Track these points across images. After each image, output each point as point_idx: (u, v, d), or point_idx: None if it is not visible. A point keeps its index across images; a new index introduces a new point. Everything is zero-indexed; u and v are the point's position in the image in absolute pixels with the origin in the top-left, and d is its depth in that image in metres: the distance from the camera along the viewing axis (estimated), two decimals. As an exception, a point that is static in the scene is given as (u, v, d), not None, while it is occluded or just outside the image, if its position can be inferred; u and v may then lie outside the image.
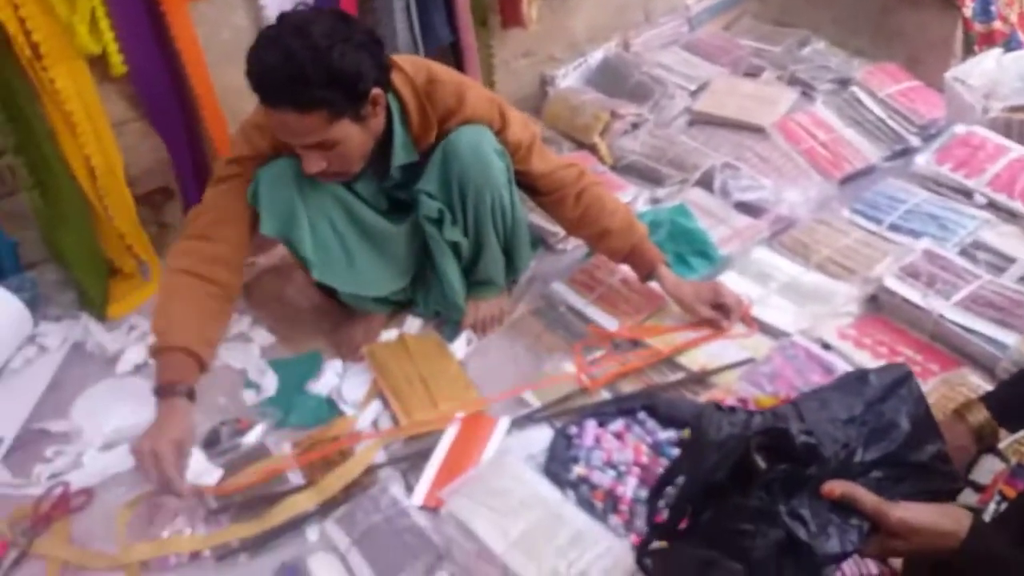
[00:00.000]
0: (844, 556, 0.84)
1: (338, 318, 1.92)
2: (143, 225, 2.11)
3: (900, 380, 0.99)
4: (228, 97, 2.10)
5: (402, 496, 1.46)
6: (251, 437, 1.66)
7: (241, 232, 1.64)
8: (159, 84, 2.01)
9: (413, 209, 1.75)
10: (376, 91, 1.49)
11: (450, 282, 1.82)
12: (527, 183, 1.79)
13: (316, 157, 1.51)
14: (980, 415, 1.13)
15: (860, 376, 1.00)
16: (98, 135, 1.92)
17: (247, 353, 1.90)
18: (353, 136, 1.51)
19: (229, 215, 1.63)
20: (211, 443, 1.65)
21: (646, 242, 1.81)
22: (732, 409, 0.95)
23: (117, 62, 1.92)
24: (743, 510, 0.86)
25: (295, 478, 1.55)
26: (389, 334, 1.87)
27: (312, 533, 1.46)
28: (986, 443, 1.16)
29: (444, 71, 1.66)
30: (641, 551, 0.95)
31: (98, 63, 1.91)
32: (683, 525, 0.94)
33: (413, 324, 1.90)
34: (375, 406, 1.67)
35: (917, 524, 0.81)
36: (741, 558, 0.86)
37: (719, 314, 1.78)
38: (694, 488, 0.92)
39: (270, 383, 1.80)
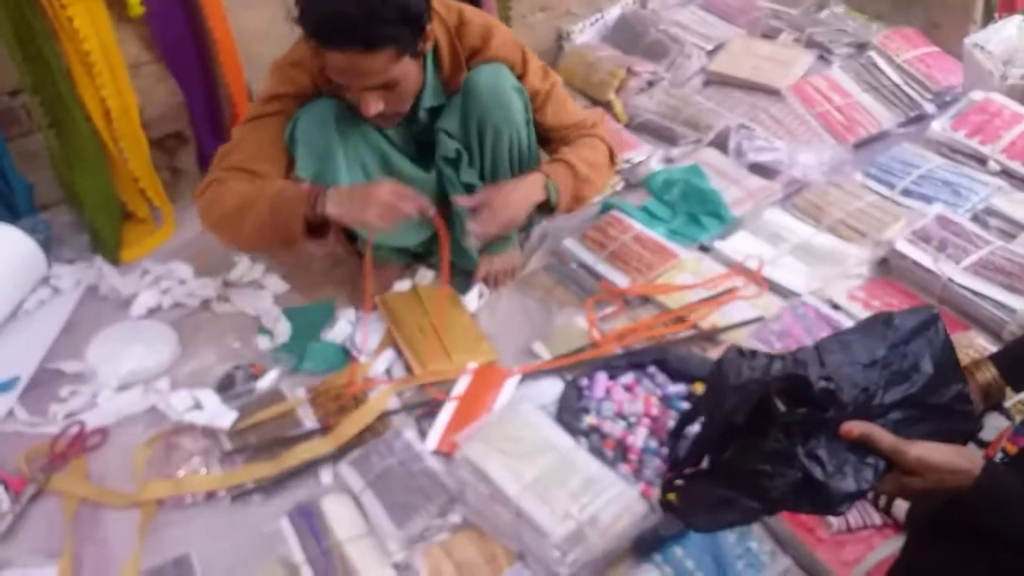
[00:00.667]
0: (859, 494, 0.85)
1: (352, 268, 1.93)
2: (156, 170, 2.11)
3: (926, 323, 0.99)
4: (245, 41, 2.09)
5: (416, 441, 1.48)
6: (265, 382, 1.68)
7: (280, 170, 1.63)
8: (176, 26, 2.00)
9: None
10: (429, 27, 1.51)
11: (463, 227, 1.80)
12: (539, 133, 1.80)
13: (376, 97, 1.50)
14: (988, 373, 1.14)
15: (885, 319, 1.00)
16: (114, 76, 1.91)
17: (260, 300, 1.91)
18: (412, 73, 1.53)
19: (268, 151, 1.61)
20: (225, 387, 1.67)
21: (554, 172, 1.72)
22: (753, 353, 0.95)
23: (135, 3, 1.91)
24: (761, 451, 0.88)
25: (309, 423, 1.57)
26: (402, 285, 1.87)
27: (326, 475, 1.49)
28: (992, 400, 1.17)
29: (473, 12, 1.67)
30: (665, 488, 0.97)
31: (116, 3, 1.91)
32: (704, 465, 0.96)
33: (426, 276, 1.91)
34: (388, 355, 1.68)
35: (933, 462, 0.83)
36: (759, 497, 0.88)
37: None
38: (713, 430, 0.93)
39: (284, 330, 1.82)
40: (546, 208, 1.73)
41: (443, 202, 1.76)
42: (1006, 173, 2.06)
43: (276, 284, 1.96)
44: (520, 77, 1.70)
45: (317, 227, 1.55)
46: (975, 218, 1.93)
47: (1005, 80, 2.27)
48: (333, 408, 1.59)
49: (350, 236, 1.85)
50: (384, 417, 1.55)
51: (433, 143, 1.74)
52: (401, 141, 1.73)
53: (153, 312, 1.91)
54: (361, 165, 1.68)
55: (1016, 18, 2.43)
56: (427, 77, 1.62)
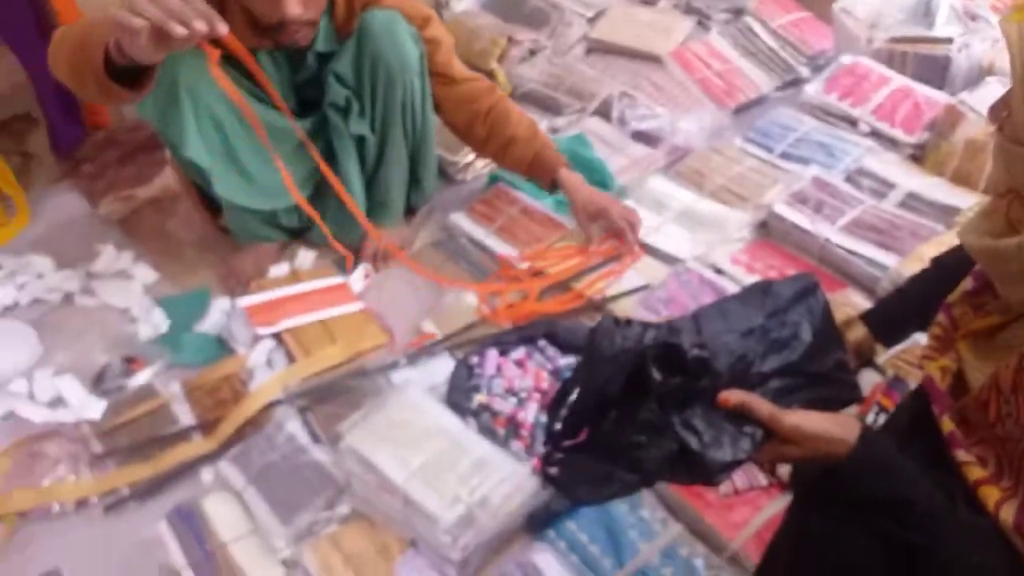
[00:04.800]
0: (736, 464, 0.85)
1: (225, 251, 1.83)
2: (4, 156, 1.94)
3: (806, 290, 1.00)
4: (91, 10, 1.93)
5: (300, 433, 1.42)
6: (141, 377, 1.59)
7: None
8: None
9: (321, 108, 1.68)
10: None
11: (351, 188, 1.73)
12: (441, 94, 1.76)
13: None
14: (859, 331, 1.17)
15: (764, 287, 1.00)
16: (-56, 54, 1.74)
17: (129, 292, 1.79)
18: None
19: None
20: (97, 381, 1.58)
21: (549, 149, 1.81)
22: (628, 322, 0.93)
23: (-37, -26, 1.73)
24: (636, 423, 0.86)
25: (186, 419, 1.49)
26: (280, 269, 1.79)
27: (206, 474, 1.42)
28: (865, 358, 1.20)
29: None
30: (545, 461, 0.94)
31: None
32: (583, 437, 0.94)
33: (306, 257, 1.83)
34: (267, 343, 1.60)
35: (810, 431, 0.83)
36: (635, 469, 0.86)
37: (606, 232, 1.79)
38: (588, 402, 0.91)
39: (159, 321, 1.71)
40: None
41: (328, 154, 1.68)
42: (875, 134, 2.13)
43: (145, 273, 1.84)
44: (423, 27, 1.67)
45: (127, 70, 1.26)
46: (849, 179, 1.99)
47: (871, 43, 2.35)
48: (210, 403, 1.51)
49: (211, 207, 1.75)
50: (266, 410, 1.48)
51: (315, 98, 1.66)
52: (282, 88, 1.63)
53: (9, 310, 1.77)
54: (211, 117, 1.56)
55: (880, -17, 2.50)
56: (321, 21, 1.56)
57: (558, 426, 0.95)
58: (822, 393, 0.97)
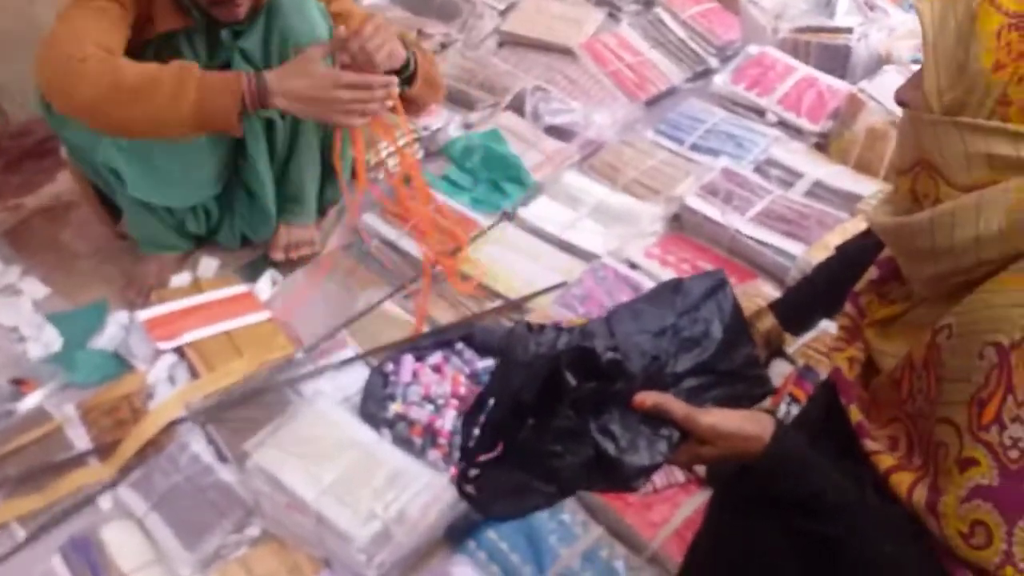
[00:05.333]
0: (654, 468, 0.83)
1: (123, 262, 1.74)
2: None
3: (715, 287, 0.99)
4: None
5: (205, 453, 1.35)
6: (30, 401, 1.49)
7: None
8: None
9: None
10: None
11: (260, 179, 1.66)
12: None
13: None
14: (768, 321, 1.18)
15: (675, 286, 1.00)
16: None
17: (18, 308, 1.68)
18: None
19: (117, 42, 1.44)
20: (-21, 408, 1.47)
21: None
22: (541, 328, 0.91)
23: None
24: (551, 430, 0.84)
25: (81, 443, 1.41)
26: (181, 279, 1.71)
27: (105, 502, 1.34)
28: (774, 347, 1.21)
29: None
30: (460, 478, 0.91)
31: None
32: (499, 449, 0.92)
33: (209, 266, 1.75)
34: (168, 358, 1.52)
35: (725, 429, 0.82)
36: (552, 479, 0.84)
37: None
38: (503, 410, 0.89)
39: (51, 338, 1.62)
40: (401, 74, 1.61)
41: (236, 144, 1.61)
42: (782, 123, 2.17)
43: (35, 288, 1.73)
44: (328, 3, 1.61)
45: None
46: (757, 169, 2.01)
47: (777, 34, 2.39)
48: (108, 424, 1.43)
49: (111, 211, 1.66)
50: (168, 429, 1.41)
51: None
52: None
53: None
54: None
55: (784, -27, 2.54)
56: None
57: (472, 442, 0.92)
58: (734, 391, 0.97)
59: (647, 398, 0.85)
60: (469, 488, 0.92)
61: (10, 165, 2.01)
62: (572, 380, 0.86)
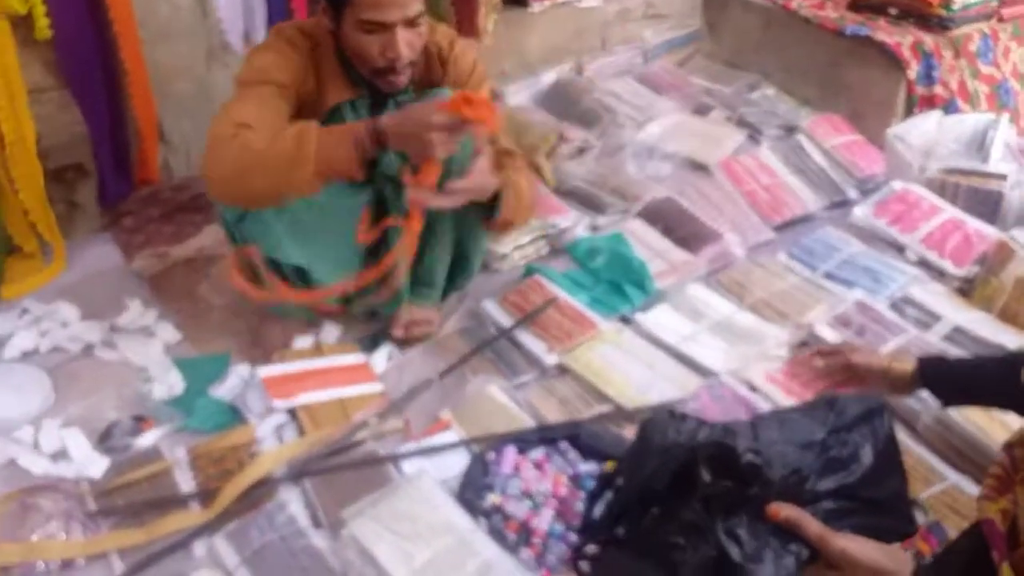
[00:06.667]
0: None
1: (251, 319, 1.81)
2: (51, 203, 1.97)
3: (872, 412, 0.96)
4: (159, 77, 1.99)
5: (301, 516, 1.36)
6: (148, 439, 1.55)
7: None
8: (86, 54, 1.90)
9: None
10: None
11: (397, 264, 1.68)
12: None
13: (407, 36, 1.54)
14: (907, 365, 1.19)
15: (829, 401, 0.97)
16: (12, 99, 1.79)
17: (149, 349, 1.77)
18: (425, 17, 1.59)
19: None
20: (104, 438, 1.54)
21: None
22: (683, 417, 0.89)
23: (43, 25, 1.80)
24: (678, 522, 0.81)
25: (186, 487, 1.44)
26: (305, 341, 1.76)
27: (199, 548, 1.35)
28: (896, 391, 1.27)
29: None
30: (576, 554, 0.89)
31: (21, 24, 1.79)
32: (621, 531, 0.89)
33: (331, 333, 1.80)
34: (280, 416, 1.55)
35: (859, 558, 0.78)
36: (670, 572, 0.80)
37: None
38: (631, 493, 0.87)
39: (175, 382, 1.69)
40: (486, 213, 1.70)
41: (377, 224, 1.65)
42: (923, 263, 2.09)
43: (168, 332, 1.82)
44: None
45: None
46: (893, 306, 1.93)
47: (924, 172, 2.32)
48: (215, 472, 1.46)
49: (254, 276, 1.74)
50: (269, 486, 1.42)
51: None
52: None
53: (28, 355, 1.75)
54: None
55: (935, 113, 2.50)
56: None
57: (595, 519, 0.90)
58: (876, 522, 0.92)
59: (782, 509, 0.82)
60: (584, 566, 0.90)
61: (166, 216, 2.16)
62: (707, 475, 0.85)
